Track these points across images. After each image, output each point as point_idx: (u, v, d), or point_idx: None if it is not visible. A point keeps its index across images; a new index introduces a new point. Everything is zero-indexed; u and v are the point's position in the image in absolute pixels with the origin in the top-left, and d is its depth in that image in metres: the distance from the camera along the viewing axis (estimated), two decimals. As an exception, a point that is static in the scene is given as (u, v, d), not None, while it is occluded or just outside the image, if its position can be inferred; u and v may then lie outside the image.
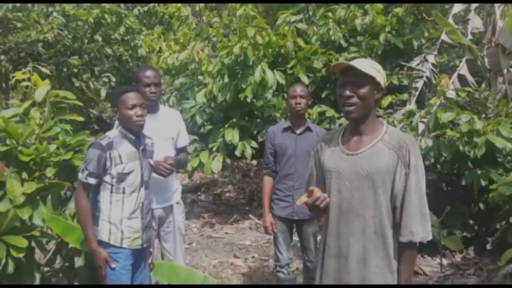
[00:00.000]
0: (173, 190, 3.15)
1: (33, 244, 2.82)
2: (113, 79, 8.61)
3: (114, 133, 2.54)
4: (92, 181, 2.42)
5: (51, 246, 3.00)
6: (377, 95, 1.87)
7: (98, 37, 8.69)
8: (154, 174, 2.94)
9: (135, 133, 2.54)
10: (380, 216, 1.82)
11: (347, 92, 1.81)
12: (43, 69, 3.91)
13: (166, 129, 3.09)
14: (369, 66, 1.82)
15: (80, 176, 2.44)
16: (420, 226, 1.80)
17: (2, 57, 8.27)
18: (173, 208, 3.15)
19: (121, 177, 2.47)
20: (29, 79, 3.54)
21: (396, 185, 1.81)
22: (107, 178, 2.45)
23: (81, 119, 3.66)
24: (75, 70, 8.11)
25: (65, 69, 8.03)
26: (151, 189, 3.02)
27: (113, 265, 2.45)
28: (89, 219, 2.43)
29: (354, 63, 1.81)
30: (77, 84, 8.07)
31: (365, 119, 1.88)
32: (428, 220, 1.83)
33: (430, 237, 1.83)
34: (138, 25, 9.60)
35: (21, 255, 2.59)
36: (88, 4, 8.50)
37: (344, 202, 1.86)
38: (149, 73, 2.99)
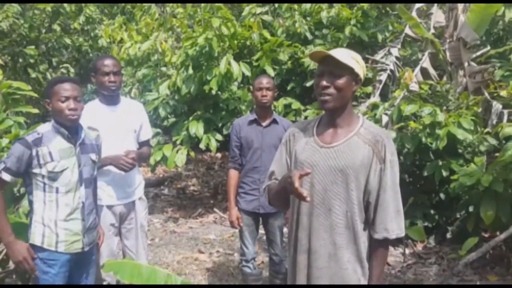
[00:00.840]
0: (135, 185, 3.03)
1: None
2: (72, 70, 8.26)
3: (45, 128, 2.35)
4: (6, 177, 2.24)
5: (3, 246, 2.84)
6: (355, 87, 1.82)
7: (56, 27, 8.33)
8: (115, 169, 2.83)
9: (69, 128, 2.35)
10: (351, 211, 1.78)
11: (324, 82, 1.75)
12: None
13: (128, 122, 2.97)
14: (348, 56, 1.76)
15: None
16: (395, 223, 1.77)
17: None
18: (135, 204, 3.03)
19: (53, 176, 2.29)
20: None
21: (370, 181, 1.77)
22: (38, 177, 2.28)
23: (36, 111, 3.48)
24: (32, 60, 7.74)
25: (20, 60, 7.67)
26: (114, 184, 2.91)
27: (35, 256, 2.29)
28: (2, 211, 2.24)
29: (333, 52, 1.74)
30: (33, 75, 7.70)
31: (341, 112, 1.82)
32: (402, 216, 1.80)
33: (403, 234, 1.81)
34: (98, 15, 9.28)
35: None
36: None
37: (317, 196, 1.80)
38: (107, 61, 2.84)
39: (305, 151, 1.85)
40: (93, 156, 2.49)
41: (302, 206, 1.85)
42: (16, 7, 7.34)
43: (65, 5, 8.10)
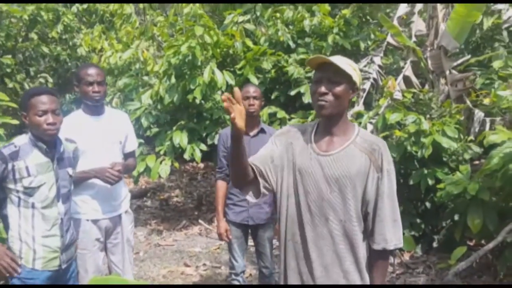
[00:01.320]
0: (121, 198, 2.94)
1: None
2: (50, 80, 8.09)
3: (22, 140, 2.23)
4: None
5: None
6: (352, 95, 1.79)
7: (33, 36, 8.15)
8: (100, 182, 2.74)
9: (47, 142, 2.24)
10: (349, 221, 1.74)
11: (322, 89, 1.72)
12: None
13: (113, 133, 2.88)
14: (346, 63, 1.73)
15: None
16: (393, 233, 1.75)
17: None
18: (121, 218, 2.93)
19: (29, 192, 2.18)
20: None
21: (368, 190, 1.74)
22: (12, 192, 2.17)
23: (15, 122, 3.36)
24: (8, 70, 7.54)
25: (-4, 69, 7.47)
26: (99, 197, 2.81)
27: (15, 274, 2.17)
28: None
29: (333, 59, 1.71)
30: (10, 85, 7.50)
31: (338, 120, 1.79)
32: (400, 226, 1.77)
33: (401, 245, 1.78)
34: (77, 24, 9.12)
35: None
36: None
37: (313, 204, 1.76)
38: (91, 70, 2.74)
39: (302, 157, 1.81)
40: (70, 171, 2.39)
41: (298, 215, 1.80)
42: (-9, 15, 7.16)
43: (43, 13, 7.94)
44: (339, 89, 1.72)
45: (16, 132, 5.25)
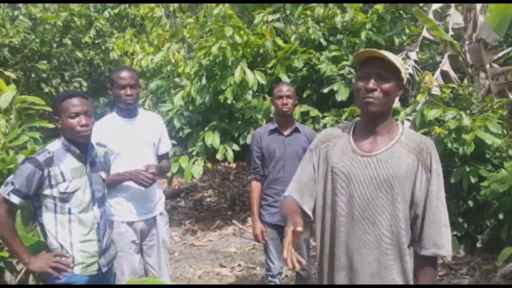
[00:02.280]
0: (155, 200, 2.91)
1: (1, 264, 2.58)
2: (84, 84, 8.27)
3: (55, 146, 2.21)
4: (15, 199, 2.08)
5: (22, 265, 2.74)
6: (398, 93, 1.68)
7: (67, 41, 8.34)
8: (134, 184, 2.72)
9: (80, 145, 2.23)
10: (397, 226, 1.63)
11: (371, 85, 1.61)
12: (9, 74, 3.62)
13: (146, 135, 2.86)
14: (395, 59, 1.63)
15: (2, 190, 2.10)
16: (445, 238, 1.63)
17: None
18: (156, 220, 2.91)
19: (65, 197, 2.16)
20: (-7, 85, 3.27)
21: (416, 192, 1.63)
22: (48, 198, 2.15)
23: (51, 126, 3.39)
24: (44, 75, 7.75)
25: (33, 75, 7.67)
26: (134, 200, 2.80)
27: (69, 268, 2.18)
28: (12, 233, 2.11)
29: (384, 53, 1.61)
30: (46, 89, 7.71)
31: (383, 118, 1.68)
32: (449, 231, 1.66)
33: (451, 251, 1.67)
34: (109, 28, 9.28)
35: (-13, 279, 2.34)
36: (56, 6, 8.17)
37: (357, 209, 1.66)
38: (124, 74, 2.72)
39: (342, 160, 1.70)
40: (103, 174, 2.37)
41: (338, 219, 1.70)
42: (26, 22, 7.34)
43: (76, 19, 8.11)
44: (388, 85, 1.62)
45: (52, 136, 5.34)
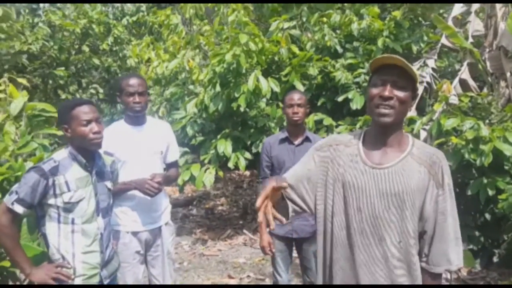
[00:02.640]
0: (161, 210, 2.86)
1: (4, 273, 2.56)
2: (101, 90, 8.34)
3: (61, 155, 2.18)
4: (19, 209, 2.05)
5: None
6: (412, 103, 1.62)
7: (85, 48, 8.43)
8: (140, 193, 2.68)
9: (88, 154, 2.20)
10: (406, 242, 1.56)
11: (387, 93, 1.53)
12: (21, 80, 3.63)
13: (154, 143, 2.82)
14: (411, 68, 1.55)
15: (6, 199, 2.07)
16: (456, 252, 1.58)
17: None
18: (161, 230, 2.85)
19: (69, 207, 2.12)
20: (5, 91, 3.29)
21: (426, 207, 1.55)
22: (52, 208, 2.12)
23: (61, 133, 3.39)
24: (62, 82, 7.84)
25: (51, 81, 7.76)
26: (139, 209, 2.76)
27: (70, 280, 2.13)
28: (14, 243, 2.08)
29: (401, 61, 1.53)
30: (63, 96, 7.79)
31: (396, 128, 1.60)
32: (460, 244, 1.60)
33: (462, 264, 1.60)
34: (127, 35, 9.37)
35: (-12, 288, 2.32)
36: (75, 13, 8.27)
37: (365, 224, 1.58)
38: (132, 81, 2.69)
39: (351, 171, 1.62)
40: (109, 184, 2.33)
41: (346, 236, 1.62)
42: (45, 29, 7.44)
43: (94, 26, 8.19)
44: (404, 94, 1.55)
45: (65, 143, 5.37)
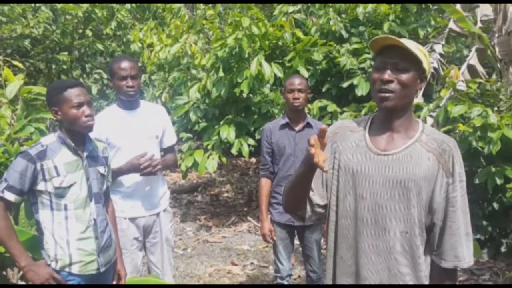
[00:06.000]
0: (159, 195, 2.81)
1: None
2: (105, 75, 8.24)
3: (49, 139, 2.13)
4: (10, 197, 2.01)
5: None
6: (420, 84, 1.52)
7: (88, 32, 8.33)
8: (136, 179, 2.63)
9: (78, 138, 2.15)
10: (411, 233, 1.49)
11: (386, 76, 1.46)
12: (17, 63, 3.57)
13: (149, 127, 2.75)
14: (416, 47, 1.47)
15: None
16: (467, 249, 1.49)
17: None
18: (159, 217, 2.81)
19: (60, 192, 2.07)
20: (0, 75, 3.23)
21: (435, 197, 1.47)
22: (43, 195, 2.07)
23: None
24: (65, 66, 7.76)
25: (54, 66, 7.69)
26: (136, 195, 2.72)
27: (60, 279, 2.08)
28: (8, 233, 2.01)
29: (402, 41, 1.45)
30: (66, 81, 7.71)
31: (402, 113, 1.52)
32: (471, 240, 1.52)
33: (472, 262, 1.52)
34: (130, 20, 9.25)
35: (-17, 274, 2.28)
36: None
37: (367, 212, 1.51)
38: (124, 64, 2.61)
39: (355, 157, 1.55)
40: (102, 169, 2.27)
41: (349, 226, 1.56)
42: (47, 12, 7.34)
43: (97, 10, 8.08)
44: (406, 76, 1.46)
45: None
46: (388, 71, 1.46)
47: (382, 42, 1.48)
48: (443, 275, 1.52)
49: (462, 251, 1.48)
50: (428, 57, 1.52)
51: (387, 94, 1.47)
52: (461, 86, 4.59)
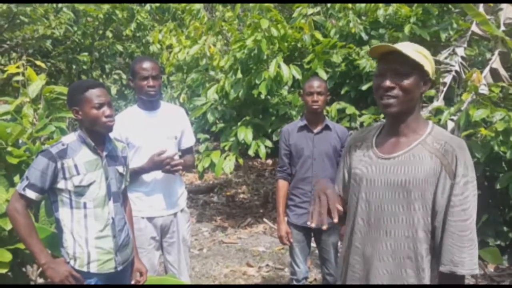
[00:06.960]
0: (177, 195, 2.82)
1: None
2: (124, 76, 8.34)
3: (70, 138, 2.15)
4: (31, 194, 2.02)
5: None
6: (424, 87, 1.51)
7: (108, 34, 8.44)
8: (155, 178, 2.64)
9: (98, 138, 2.17)
10: (414, 237, 1.46)
11: (387, 83, 1.46)
12: (39, 63, 3.63)
13: (168, 128, 2.77)
14: (415, 51, 1.46)
15: (18, 186, 2.05)
16: (466, 254, 1.41)
17: (13, 54, 8.11)
18: (177, 216, 2.82)
19: (80, 191, 2.09)
20: (23, 74, 3.28)
21: (438, 200, 1.44)
22: (63, 193, 2.09)
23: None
24: (85, 67, 7.88)
25: (74, 66, 7.81)
26: (154, 194, 2.73)
27: (79, 277, 2.10)
28: (28, 231, 2.02)
29: (399, 46, 1.45)
30: (87, 81, 7.83)
31: (407, 117, 1.52)
32: (476, 247, 1.44)
33: (477, 270, 1.45)
34: (150, 21, 9.34)
35: (4, 271, 2.31)
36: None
37: (373, 216, 1.51)
38: (146, 64, 2.63)
39: (362, 163, 1.58)
40: (120, 169, 2.28)
41: (356, 226, 1.58)
42: (69, 13, 7.46)
43: (117, 11, 8.18)
44: (407, 82, 1.45)
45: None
46: (389, 78, 1.46)
47: (380, 50, 1.48)
48: (445, 280, 1.46)
49: (460, 256, 1.41)
50: (430, 58, 1.50)
51: (390, 101, 1.47)
52: (483, 90, 4.52)
